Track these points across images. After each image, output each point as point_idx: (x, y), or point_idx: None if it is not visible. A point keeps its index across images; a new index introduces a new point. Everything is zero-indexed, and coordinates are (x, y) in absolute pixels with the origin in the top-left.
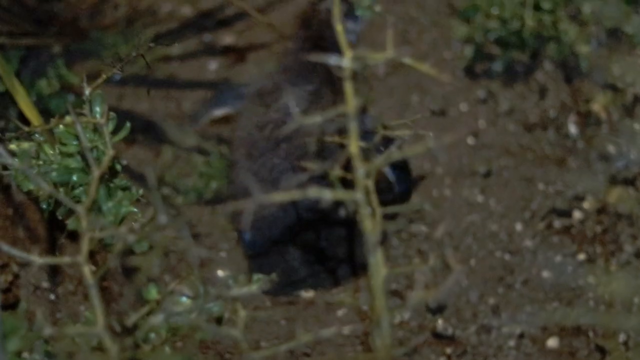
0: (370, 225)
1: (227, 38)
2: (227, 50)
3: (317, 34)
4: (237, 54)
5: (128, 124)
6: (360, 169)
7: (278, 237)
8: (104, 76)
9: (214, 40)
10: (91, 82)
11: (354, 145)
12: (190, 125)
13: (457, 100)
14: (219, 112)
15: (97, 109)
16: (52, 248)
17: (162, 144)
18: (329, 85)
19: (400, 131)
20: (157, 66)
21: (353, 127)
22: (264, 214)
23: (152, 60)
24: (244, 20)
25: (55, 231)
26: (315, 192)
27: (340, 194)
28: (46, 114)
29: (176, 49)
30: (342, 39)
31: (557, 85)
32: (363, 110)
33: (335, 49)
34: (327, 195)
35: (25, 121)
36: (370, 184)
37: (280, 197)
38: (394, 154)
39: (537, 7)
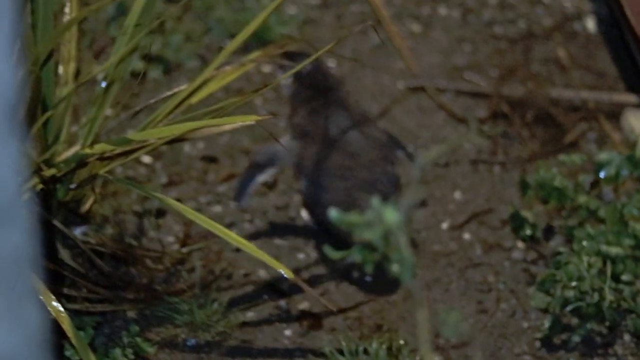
0: None
1: (303, 303)
2: (302, 316)
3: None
4: (312, 319)
5: None
6: None
7: None
8: None
9: (289, 305)
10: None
11: None
12: (236, 204)
13: None
14: (262, 178)
15: None
16: None
17: None
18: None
19: None
20: (231, 333)
21: None
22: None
23: (227, 327)
24: (320, 284)
25: None
26: None
27: None
28: None
29: (251, 314)
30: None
31: None
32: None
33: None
34: None
35: None
36: None
37: None
38: None
39: (615, 279)
